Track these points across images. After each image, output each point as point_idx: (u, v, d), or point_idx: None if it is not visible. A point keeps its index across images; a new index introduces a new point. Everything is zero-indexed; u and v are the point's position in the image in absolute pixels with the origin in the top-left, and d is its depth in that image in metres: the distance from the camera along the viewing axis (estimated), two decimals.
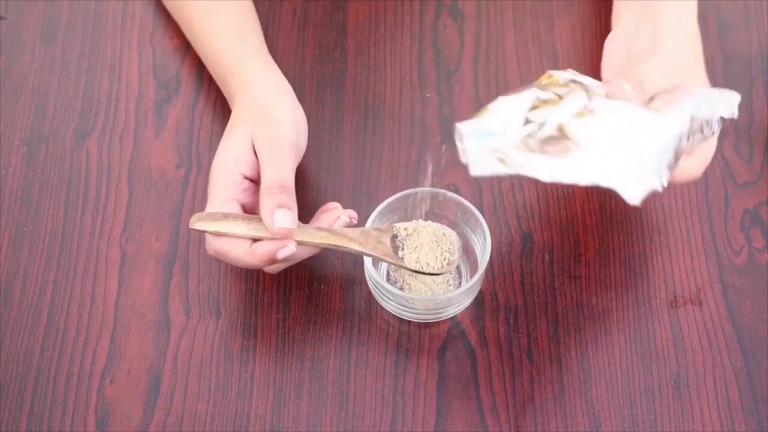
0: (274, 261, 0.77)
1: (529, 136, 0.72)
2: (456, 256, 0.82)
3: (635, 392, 0.80)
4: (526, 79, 0.95)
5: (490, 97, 0.93)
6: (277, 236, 0.76)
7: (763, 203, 0.89)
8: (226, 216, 0.78)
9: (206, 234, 0.78)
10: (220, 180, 0.79)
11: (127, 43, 0.97)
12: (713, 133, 0.77)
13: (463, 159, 0.74)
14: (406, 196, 0.83)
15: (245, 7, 0.91)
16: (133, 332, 0.82)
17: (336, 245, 0.79)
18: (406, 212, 0.84)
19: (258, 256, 0.77)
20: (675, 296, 0.85)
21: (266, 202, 0.77)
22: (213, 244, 0.78)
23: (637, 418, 0.79)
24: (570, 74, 0.77)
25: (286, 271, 0.85)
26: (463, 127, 0.73)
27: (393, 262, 0.80)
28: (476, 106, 0.93)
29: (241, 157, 0.80)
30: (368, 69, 0.96)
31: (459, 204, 0.83)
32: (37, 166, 0.90)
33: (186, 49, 0.95)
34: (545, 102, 0.74)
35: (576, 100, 0.74)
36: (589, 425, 0.79)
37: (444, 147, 0.82)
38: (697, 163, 0.78)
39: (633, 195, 0.71)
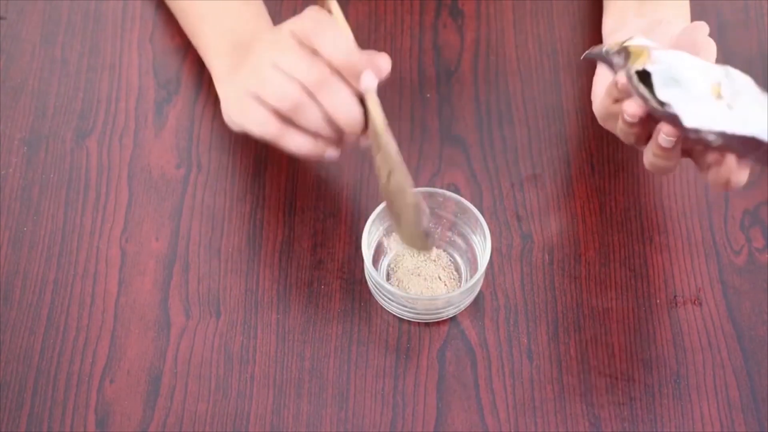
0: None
1: (716, 86, 0.70)
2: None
3: (635, 392, 0.80)
4: (526, 79, 0.95)
5: (490, 97, 0.94)
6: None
7: (763, 203, 0.89)
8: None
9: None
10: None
11: (127, 43, 0.97)
12: None
13: (651, 102, 0.71)
14: None
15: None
16: (133, 332, 0.82)
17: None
18: None
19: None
20: (675, 296, 0.85)
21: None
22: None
23: (637, 418, 0.79)
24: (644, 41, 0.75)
25: (286, 271, 0.85)
26: (653, 69, 0.70)
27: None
28: (476, 106, 0.93)
29: None
30: None
31: (459, 204, 0.83)
32: (37, 166, 0.90)
33: (186, 49, 0.95)
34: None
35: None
36: (589, 425, 0.79)
37: None
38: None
39: None
